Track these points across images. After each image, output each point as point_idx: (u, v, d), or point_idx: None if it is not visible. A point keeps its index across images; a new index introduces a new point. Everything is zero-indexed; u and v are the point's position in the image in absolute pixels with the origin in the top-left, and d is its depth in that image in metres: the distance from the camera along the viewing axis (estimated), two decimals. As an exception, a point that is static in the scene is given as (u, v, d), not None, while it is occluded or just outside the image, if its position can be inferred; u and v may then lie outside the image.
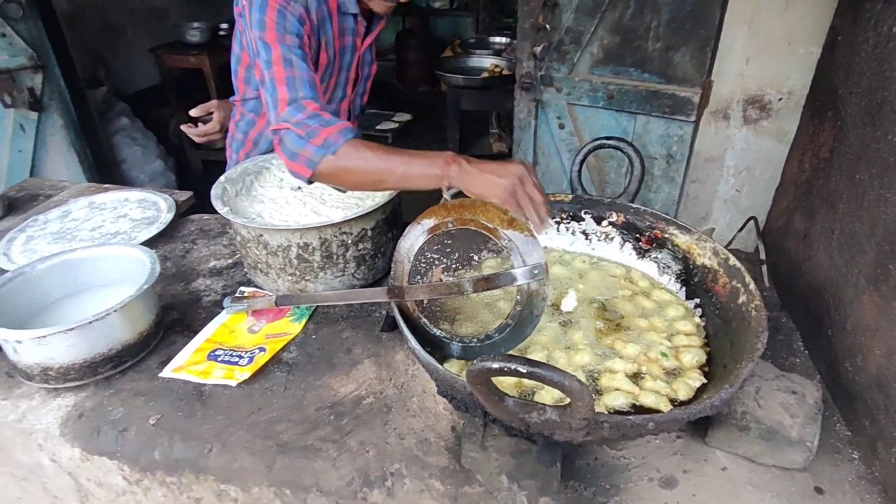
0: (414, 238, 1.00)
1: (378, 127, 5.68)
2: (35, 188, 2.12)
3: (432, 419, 1.10)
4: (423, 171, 1.13)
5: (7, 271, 1.42)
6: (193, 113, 1.79)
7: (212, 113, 1.80)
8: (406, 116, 5.95)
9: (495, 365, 0.70)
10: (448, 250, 0.98)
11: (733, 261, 1.11)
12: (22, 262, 1.54)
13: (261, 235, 1.33)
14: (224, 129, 1.83)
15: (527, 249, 0.92)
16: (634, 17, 1.99)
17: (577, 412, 0.73)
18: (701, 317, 1.18)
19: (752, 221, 1.53)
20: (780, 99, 2.29)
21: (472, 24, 6.47)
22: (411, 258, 1.00)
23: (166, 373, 1.22)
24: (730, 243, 1.66)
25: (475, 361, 0.72)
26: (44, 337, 1.11)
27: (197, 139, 1.83)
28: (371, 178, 1.20)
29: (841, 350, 1.10)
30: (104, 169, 3.64)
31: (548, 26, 2.10)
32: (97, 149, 3.56)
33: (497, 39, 3.99)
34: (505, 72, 3.20)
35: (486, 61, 3.46)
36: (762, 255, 1.46)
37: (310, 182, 1.25)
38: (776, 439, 0.97)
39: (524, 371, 0.68)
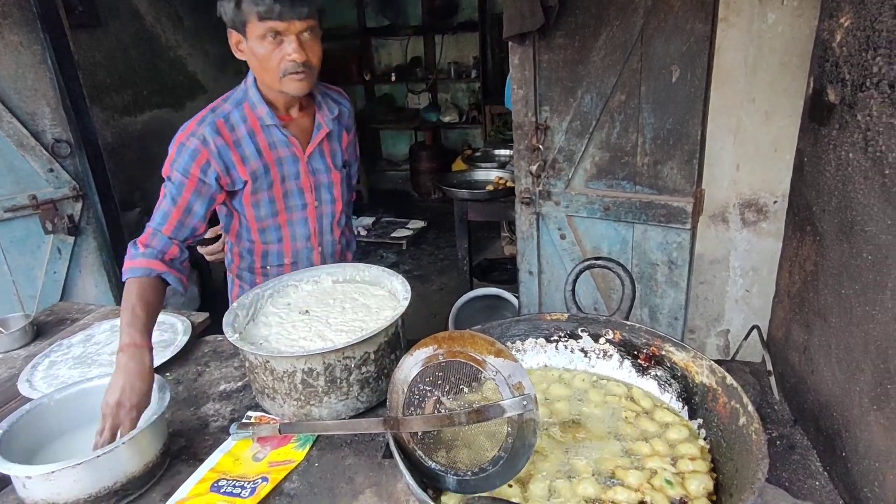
0: (408, 369, 1.03)
1: (393, 234, 5.90)
2: (63, 312, 2.22)
3: (433, 554, 1.07)
4: (119, 338, 1.42)
5: (29, 398, 1.48)
6: (207, 235, 1.95)
7: (220, 235, 1.96)
8: (420, 223, 6.20)
9: (479, 508, 0.71)
10: (440, 382, 1.00)
11: (730, 380, 1.11)
12: (44, 388, 1.60)
13: (267, 362, 1.37)
14: None
15: (515, 380, 0.94)
16: (621, 136, 2.12)
17: (565, 556, 0.72)
18: (705, 438, 1.16)
19: (755, 330, 1.53)
20: (775, 202, 2.36)
21: (480, 134, 6.85)
22: (405, 389, 1.02)
23: (168, 507, 1.22)
24: (736, 353, 1.65)
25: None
26: (53, 472, 1.14)
27: (207, 258, 2.03)
28: None
29: (858, 475, 1.06)
30: (131, 286, 3.80)
31: (542, 147, 2.24)
32: (126, 267, 3.75)
33: (502, 152, 4.20)
34: (509, 184, 3.34)
35: (491, 174, 3.62)
36: (769, 367, 1.44)
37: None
38: (788, 575, 0.92)
39: (506, 516, 0.69)
